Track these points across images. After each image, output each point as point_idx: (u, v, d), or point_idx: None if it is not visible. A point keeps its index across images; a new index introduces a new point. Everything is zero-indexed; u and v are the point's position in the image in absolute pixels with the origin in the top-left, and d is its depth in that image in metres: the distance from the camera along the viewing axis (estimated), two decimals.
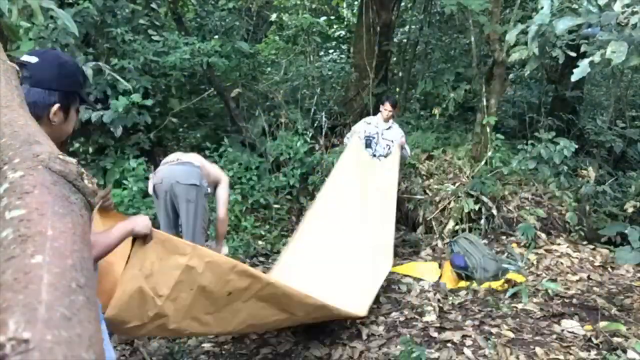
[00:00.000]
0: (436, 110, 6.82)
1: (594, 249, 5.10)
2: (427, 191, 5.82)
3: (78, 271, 0.58)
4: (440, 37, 8.54)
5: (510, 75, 8.54)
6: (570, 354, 3.19)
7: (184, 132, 8.49)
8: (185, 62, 5.73)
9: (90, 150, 5.47)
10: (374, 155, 5.40)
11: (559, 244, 5.10)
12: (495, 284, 4.27)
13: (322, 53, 9.44)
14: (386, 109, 5.42)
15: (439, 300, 4.03)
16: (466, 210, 5.38)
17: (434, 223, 5.56)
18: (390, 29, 7.95)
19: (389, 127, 5.47)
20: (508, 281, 4.25)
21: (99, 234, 1.72)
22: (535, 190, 5.71)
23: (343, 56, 9.83)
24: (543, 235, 5.23)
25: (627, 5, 2.94)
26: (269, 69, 8.23)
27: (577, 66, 3.07)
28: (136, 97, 4.98)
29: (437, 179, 5.93)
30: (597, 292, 4.16)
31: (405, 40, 8.95)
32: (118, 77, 3.85)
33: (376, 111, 7.65)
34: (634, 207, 5.50)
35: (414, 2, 8.84)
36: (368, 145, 5.46)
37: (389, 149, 5.37)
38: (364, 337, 3.46)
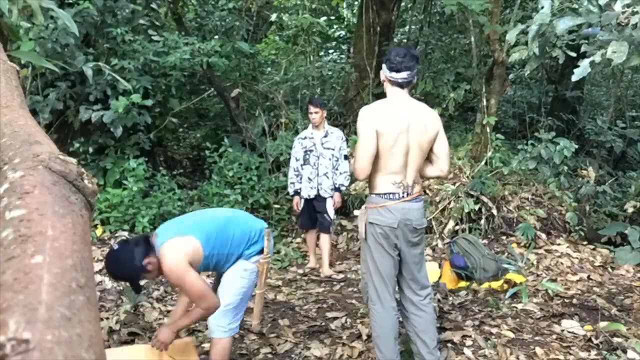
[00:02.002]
0: (436, 110, 6.82)
1: (594, 249, 5.10)
2: (427, 191, 5.82)
3: (78, 271, 0.58)
4: (440, 37, 8.55)
5: (510, 75, 8.54)
6: (570, 354, 3.19)
7: (184, 132, 8.51)
8: (185, 62, 5.73)
9: (90, 150, 5.47)
10: (318, 174, 4.79)
11: (559, 244, 5.10)
12: (495, 284, 4.27)
13: (322, 53, 9.44)
14: (310, 112, 4.82)
15: (439, 300, 4.03)
16: (466, 210, 5.38)
17: (434, 223, 5.56)
18: (390, 29, 7.95)
19: (326, 134, 4.84)
20: (508, 281, 4.25)
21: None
22: (535, 190, 5.71)
23: (343, 56, 9.84)
24: (543, 235, 5.23)
25: (628, 5, 2.94)
26: (269, 69, 8.24)
27: (577, 66, 3.06)
28: (136, 97, 4.98)
29: (437, 179, 5.93)
30: (597, 292, 4.16)
31: (405, 40, 8.95)
32: (118, 77, 3.85)
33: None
34: (634, 207, 5.50)
35: (414, 2, 8.85)
36: (307, 162, 4.83)
37: (337, 160, 4.79)
38: (364, 337, 3.46)
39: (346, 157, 4.85)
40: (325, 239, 4.90)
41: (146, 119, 5.42)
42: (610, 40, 2.93)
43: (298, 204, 4.95)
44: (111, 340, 3.27)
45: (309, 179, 4.85)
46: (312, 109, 4.80)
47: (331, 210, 4.84)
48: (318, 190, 4.82)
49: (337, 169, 4.80)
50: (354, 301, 4.16)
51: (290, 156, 6.32)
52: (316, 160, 4.81)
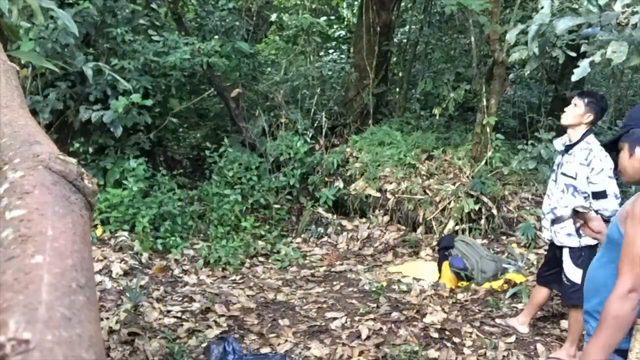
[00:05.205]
0: (436, 110, 6.81)
1: None
2: (427, 191, 5.82)
3: (78, 271, 0.58)
4: (440, 37, 8.54)
5: (510, 75, 8.53)
6: None
7: (184, 132, 8.50)
8: (185, 62, 5.73)
9: (90, 150, 5.47)
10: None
11: None
12: (495, 284, 4.27)
13: (322, 53, 9.43)
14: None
15: (439, 300, 4.04)
16: (466, 210, 5.38)
17: (434, 223, 5.56)
18: (390, 29, 7.94)
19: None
20: (508, 281, 4.25)
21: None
22: (535, 190, 5.71)
23: (343, 56, 9.82)
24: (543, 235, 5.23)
25: (628, 5, 2.94)
26: (269, 69, 8.23)
27: (577, 66, 3.06)
28: (136, 97, 4.98)
29: (437, 179, 5.93)
30: None
31: (405, 40, 8.95)
32: (118, 77, 3.85)
33: (376, 111, 7.67)
34: None
35: (414, 2, 8.84)
36: None
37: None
38: (364, 337, 3.46)
39: None
40: None
41: (146, 119, 5.42)
42: (610, 40, 2.93)
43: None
44: (111, 340, 3.27)
45: None
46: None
47: None
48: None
49: None
50: (354, 301, 4.16)
51: (290, 156, 6.34)
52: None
